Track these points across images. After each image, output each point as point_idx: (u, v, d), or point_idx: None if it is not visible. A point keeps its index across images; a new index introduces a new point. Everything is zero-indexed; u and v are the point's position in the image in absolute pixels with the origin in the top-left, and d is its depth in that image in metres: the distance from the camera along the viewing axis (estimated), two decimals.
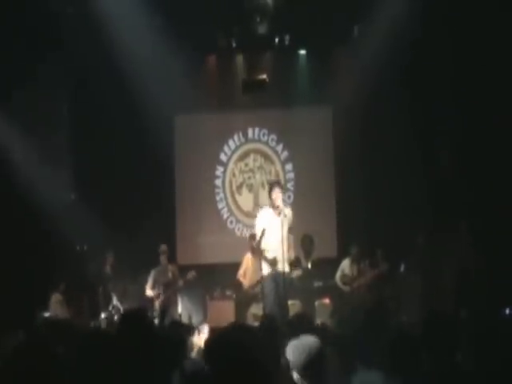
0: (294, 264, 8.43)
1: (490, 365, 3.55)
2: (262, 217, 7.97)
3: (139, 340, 3.44)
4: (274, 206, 7.82)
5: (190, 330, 6.05)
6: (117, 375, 3.34)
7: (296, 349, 3.76)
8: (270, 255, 7.82)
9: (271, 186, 8.09)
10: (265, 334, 4.77)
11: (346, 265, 9.86)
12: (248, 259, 9.77)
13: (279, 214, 7.70)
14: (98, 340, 3.88)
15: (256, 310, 9.38)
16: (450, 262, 9.22)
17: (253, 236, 9.73)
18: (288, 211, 7.84)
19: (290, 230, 7.80)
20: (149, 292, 9.61)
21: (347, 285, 9.75)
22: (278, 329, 4.92)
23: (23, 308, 8.93)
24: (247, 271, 9.76)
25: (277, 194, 7.80)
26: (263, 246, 7.82)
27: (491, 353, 3.70)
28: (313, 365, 3.69)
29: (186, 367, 4.30)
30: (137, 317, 3.66)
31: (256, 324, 8.83)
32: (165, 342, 4.06)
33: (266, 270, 7.83)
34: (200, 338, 6.36)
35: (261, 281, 8.41)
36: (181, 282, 9.62)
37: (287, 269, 7.79)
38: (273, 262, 7.76)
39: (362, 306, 8.76)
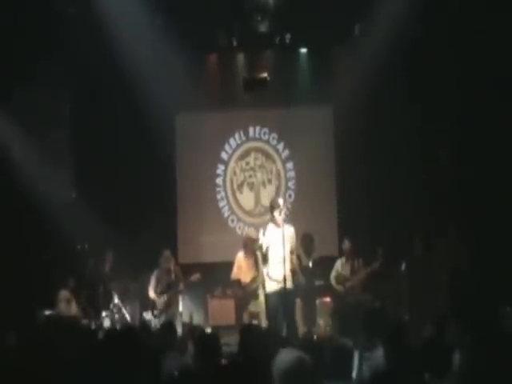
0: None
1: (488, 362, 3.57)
2: (264, 234, 8.35)
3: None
4: (276, 224, 8.23)
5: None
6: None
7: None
8: (271, 271, 8.24)
9: (271, 207, 8.43)
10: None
11: (339, 263, 9.85)
12: (240, 258, 9.74)
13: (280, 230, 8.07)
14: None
15: (253, 308, 9.39)
16: (450, 262, 9.23)
17: (250, 239, 9.72)
18: (290, 230, 8.24)
19: (292, 251, 8.27)
20: (151, 294, 9.60)
21: (340, 285, 9.73)
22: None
23: (23, 306, 8.94)
24: (241, 270, 9.73)
25: (277, 216, 8.17)
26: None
27: (489, 351, 3.72)
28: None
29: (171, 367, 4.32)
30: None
31: (253, 322, 8.92)
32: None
33: (269, 287, 8.07)
34: None
35: (254, 281, 8.63)
36: (181, 286, 9.61)
37: (289, 284, 7.97)
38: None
39: (358, 306, 8.74)
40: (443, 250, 9.34)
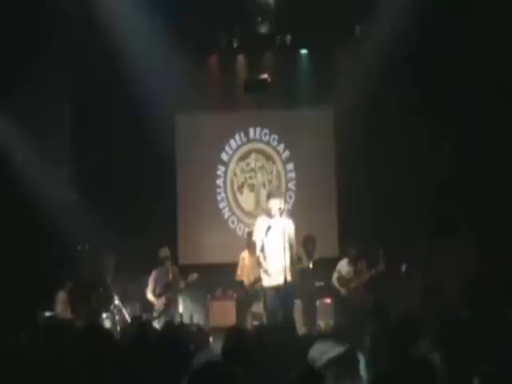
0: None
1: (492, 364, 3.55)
2: (259, 226, 7.99)
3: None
4: (270, 215, 7.89)
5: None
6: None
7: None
8: (269, 264, 7.90)
9: (268, 197, 8.11)
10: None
11: (342, 265, 9.88)
12: (244, 258, 9.78)
13: (277, 222, 7.75)
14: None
15: (256, 308, 9.39)
16: (452, 262, 9.22)
17: (250, 233, 9.75)
18: (289, 225, 7.85)
19: (291, 245, 7.81)
20: (149, 296, 9.57)
21: (344, 286, 9.75)
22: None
23: (25, 307, 8.93)
24: (244, 269, 9.76)
25: (272, 205, 7.83)
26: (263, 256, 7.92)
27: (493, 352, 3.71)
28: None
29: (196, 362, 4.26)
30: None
31: (256, 323, 8.90)
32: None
33: (266, 281, 7.90)
34: None
35: (258, 281, 8.50)
36: (182, 284, 9.59)
37: (289, 277, 7.76)
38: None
39: (361, 306, 8.74)
40: (448, 249, 9.33)
